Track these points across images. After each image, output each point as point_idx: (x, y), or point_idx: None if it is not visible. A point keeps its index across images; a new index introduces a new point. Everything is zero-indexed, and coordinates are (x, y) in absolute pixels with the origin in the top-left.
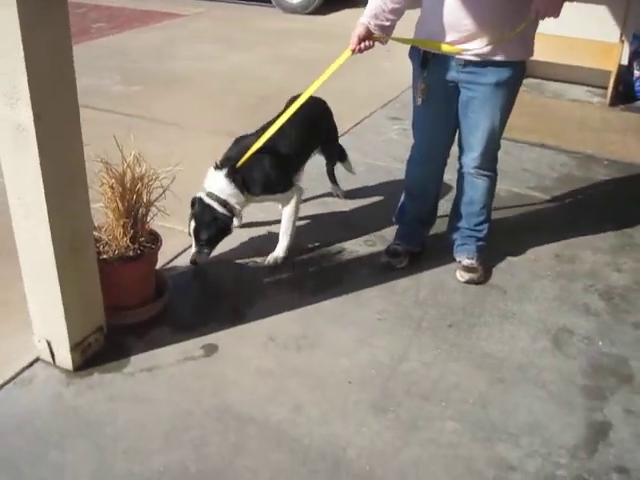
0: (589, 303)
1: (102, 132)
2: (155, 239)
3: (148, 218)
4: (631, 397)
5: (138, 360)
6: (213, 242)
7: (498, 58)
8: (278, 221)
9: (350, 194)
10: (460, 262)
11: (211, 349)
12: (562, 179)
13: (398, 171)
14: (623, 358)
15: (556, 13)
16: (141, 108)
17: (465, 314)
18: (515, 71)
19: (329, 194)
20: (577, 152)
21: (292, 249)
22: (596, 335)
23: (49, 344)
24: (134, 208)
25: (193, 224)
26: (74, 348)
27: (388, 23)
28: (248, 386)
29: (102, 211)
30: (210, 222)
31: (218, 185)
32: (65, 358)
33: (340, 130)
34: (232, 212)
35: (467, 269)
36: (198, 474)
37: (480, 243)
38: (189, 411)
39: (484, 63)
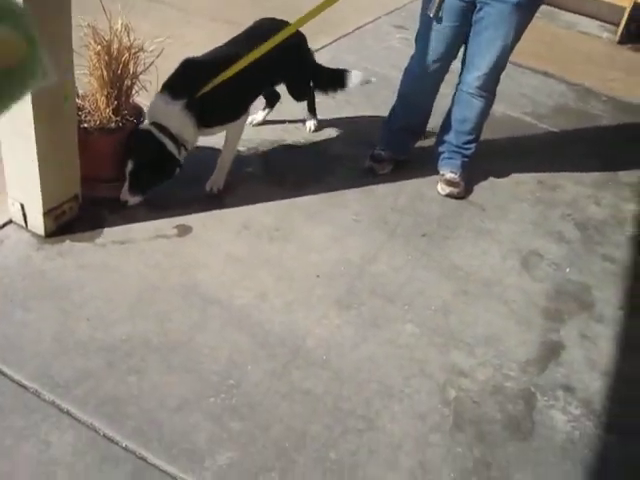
0: (563, 231)
1: (95, 3)
2: (139, 114)
3: (133, 91)
4: (588, 323)
5: (111, 233)
6: (152, 185)
7: None
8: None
9: (346, 99)
10: (443, 175)
11: (185, 230)
12: (558, 109)
13: (396, 80)
14: (587, 286)
15: None
16: None
17: (440, 226)
18: None
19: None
20: (577, 84)
21: (277, 144)
22: (565, 262)
23: (22, 207)
24: (119, 79)
25: (132, 164)
26: (47, 213)
27: None
28: (217, 269)
29: (87, 80)
30: (157, 162)
31: (172, 117)
32: (37, 223)
33: (340, 32)
34: (180, 150)
35: (449, 182)
36: (159, 346)
37: (465, 160)
38: (156, 286)
39: None
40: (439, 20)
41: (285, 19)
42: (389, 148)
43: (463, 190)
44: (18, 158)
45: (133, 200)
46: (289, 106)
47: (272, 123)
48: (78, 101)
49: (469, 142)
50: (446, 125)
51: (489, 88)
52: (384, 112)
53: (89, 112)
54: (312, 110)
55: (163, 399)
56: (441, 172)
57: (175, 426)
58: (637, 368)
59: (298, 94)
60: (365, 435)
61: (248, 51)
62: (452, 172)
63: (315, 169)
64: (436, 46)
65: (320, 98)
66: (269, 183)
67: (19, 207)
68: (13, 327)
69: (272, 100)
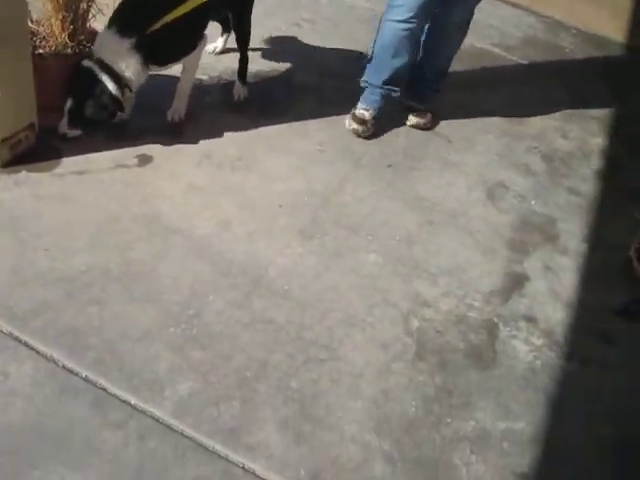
0: (529, 163)
1: None
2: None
3: (89, 15)
4: (552, 255)
5: (69, 163)
6: (91, 124)
7: None
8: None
9: (312, 28)
10: (411, 106)
11: (145, 160)
12: (527, 40)
13: (363, 9)
14: (552, 219)
15: None
16: None
17: (406, 156)
18: None
19: (288, 21)
20: (547, 16)
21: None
22: (531, 194)
23: None
24: (75, 2)
25: (71, 101)
26: (2, 142)
27: None
28: (178, 199)
29: (40, 5)
30: (97, 102)
31: (118, 56)
32: None
33: None
34: (124, 91)
35: (416, 113)
36: (120, 276)
37: (433, 92)
38: (116, 216)
39: None
40: None
41: None
42: (373, 106)
43: (430, 121)
44: None
45: (71, 133)
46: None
47: (234, 51)
48: (32, 26)
49: (442, 74)
50: (421, 61)
51: (469, 20)
52: (351, 42)
53: (44, 37)
54: (242, 75)
55: (124, 329)
56: (409, 103)
57: (136, 356)
58: (599, 299)
59: (243, 21)
60: (327, 364)
61: None
62: (419, 102)
63: (279, 98)
64: None
65: (286, 26)
66: (231, 112)
67: None
68: None
69: (227, 24)
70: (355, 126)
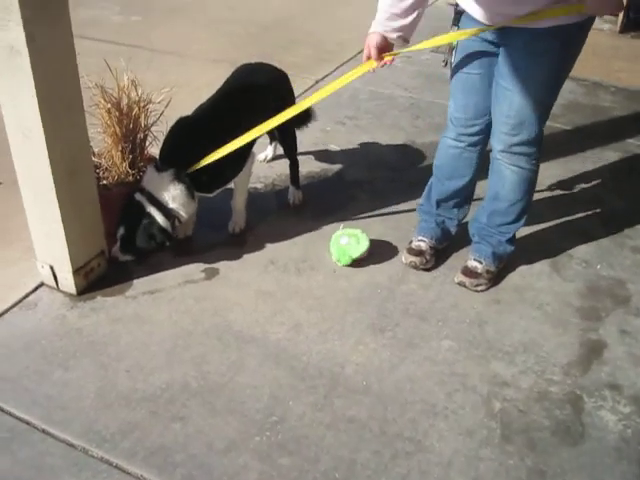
0: (589, 228)
1: (100, 63)
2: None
3: (147, 143)
4: (626, 318)
5: (140, 283)
6: (142, 251)
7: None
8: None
9: (355, 123)
10: (466, 261)
11: (212, 272)
12: (568, 106)
13: (402, 98)
14: (620, 281)
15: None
16: (140, 38)
17: (463, 239)
18: (562, 35)
19: (332, 121)
20: (584, 79)
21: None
22: (595, 258)
23: (52, 269)
24: (132, 133)
25: (122, 229)
26: (76, 272)
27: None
28: (248, 307)
29: (101, 138)
30: (146, 234)
31: (163, 189)
32: (68, 282)
33: (343, 58)
34: (174, 222)
35: (467, 272)
36: (199, 390)
37: (500, 249)
38: (190, 331)
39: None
40: (456, 70)
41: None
42: (428, 235)
43: (483, 284)
44: (43, 222)
45: (123, 258)
46: (298, 138)
47: (283, 157)
48: (94, 159)
49: (504, 224)
50: (484, 203)
51: (520, 153)
52: (394, 133)
53: (106, 168)
54: (295, 180)
55: (210, 443)
56: (467, 257)
57: (225, 469)
58: None
59: (288, 134)
60: (414, 457)
61: (236, 103)
62: (476, 260)
63: (334, 197)
64: (464, 102)
65: (330, 125)
66: (289, 216)
67: (49, 269)
68: (55, 387)
69: (274, 132)
70: (412, 259)
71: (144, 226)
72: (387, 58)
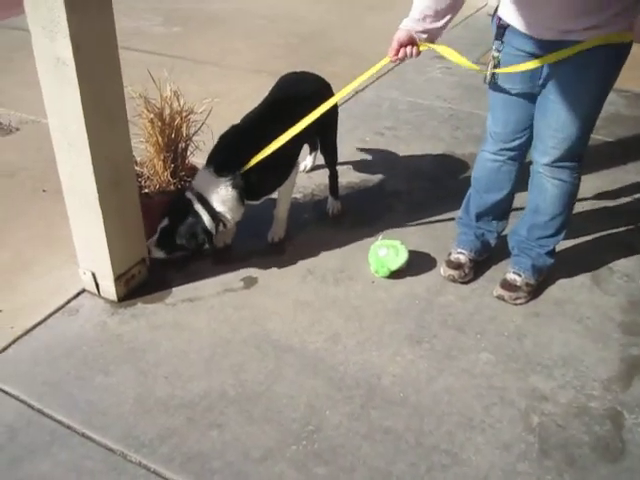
0: (631, 241)
1: (143, 73)
2: (195, 174)
3: (188, 153)
4: None
5: (179, 291)
6: (178, 250)
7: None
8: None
9: (395, 134)
10: (505, 274)
11: (251, 281)
12: (610, 118)
13: (441, 109)
14: None
15: None
16: (182, 49)
17: (502, 251)
18: (612, 51)
19: (371, 131)
20: (626, 90)
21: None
22: (637, 272)
23: (94, 276)
24: (174, 143)
25: (166, 221)
26: (118, 279)
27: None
28: (286, 316)
29: (143, 147)
30: (189, 232)
31: (215, 194)
32: (109, 289)
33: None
34: (218, 226)
35: (506, 285)
36: (237, 398)
37: (539, 262)
38: (228, 339)
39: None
40: (496, 86)
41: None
42: (467, 248)
43: (522, 297)
44: (86, 230)
45: (157, 254)
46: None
47: (322, 167)
48: (137, 168)
49: (545, 237)
50: (524, 215)
51: (561, 166)
52: (433, 144)
53: (148, 177)
54: (334, 191)
55: (246, 450)
56: (507, 269)
57: (261, 477)
58: None
59: (329, 144)
60: (451, 470)
61: (282, 111)
62: (515, 272)
63: (372, 207)
64: (505, 118)
65: (370, 136)
66: (328, 227)
67: (91, 276)
68: (95, 392)
69: (314, 142)
70: (450, 272)
71: (189, 223)
72: (408, 50)
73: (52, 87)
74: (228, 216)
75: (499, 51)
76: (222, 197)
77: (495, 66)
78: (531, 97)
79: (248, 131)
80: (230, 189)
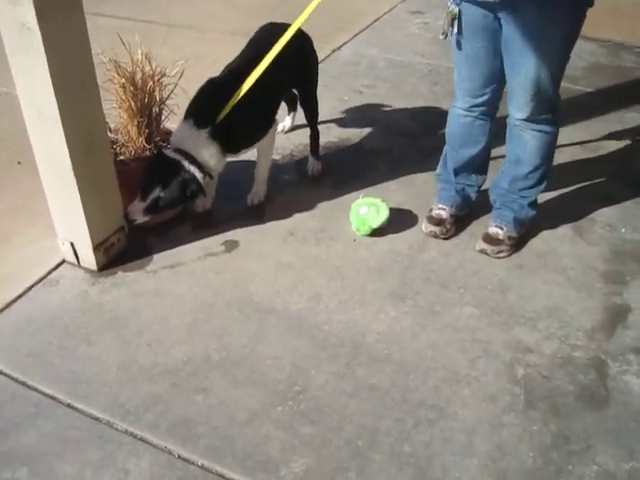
0: (612, 191)
1: (115, 39)
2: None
3: (162, 117)
4: None
5: (160, 258)
6: (163, 208)
7: None
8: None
9: (374, 92)
10: (487, 227)
11: (232, 245)
12: (590, 68)
13: (420, 65)
14: None
15: None
16: (157, 13)
17: (483, 206)
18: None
19: (350, 90)
20: (607, 40)
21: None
22: (619, 222)
23: (72, 246)
24: (147, 107)
25: (159, 191)
26: (97, 248)
27: None
28: (268, 278)
29: (117, 114)
30: (185, 192)
31: (199, 146)
32: (89, 258)
33: (360, 26)
34: (205, 178)
35: (488, 238)
36: (221, 362)
37: (521, 214)
38: (210, 304)
39: None
40: (458, 43)
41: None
42: (448, 203)
43: (504, 251)
44: (62, 200)
45: (142, 219)
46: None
47: (301, 127)
48: (111, 135)
49: (525, 189)
50: (503, 168)
51: (539, 120)
52: (413, 101)
53: (123, 144)
54: (315, 150)
55: (232, 414)
56: (489, 223)
57: (247, 439)
58: None
59: (309, 98)
60: (437, 424)
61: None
62: (497, 226)
63: (353, 166)
64: (470, 74)
65: (348, 95)
66: (308, 187)
67: (69, 246)
68: (79, 362)
69: (293, 102)
70: (432, 228)
71: (184, 180)
72: None
73: (19, 54)
74: (211, 165)
75: (457, 4)
76: (206, 148)
77: (452, 20)
78: (495, 53)
79: (226, 83)
80: (211, 140)
